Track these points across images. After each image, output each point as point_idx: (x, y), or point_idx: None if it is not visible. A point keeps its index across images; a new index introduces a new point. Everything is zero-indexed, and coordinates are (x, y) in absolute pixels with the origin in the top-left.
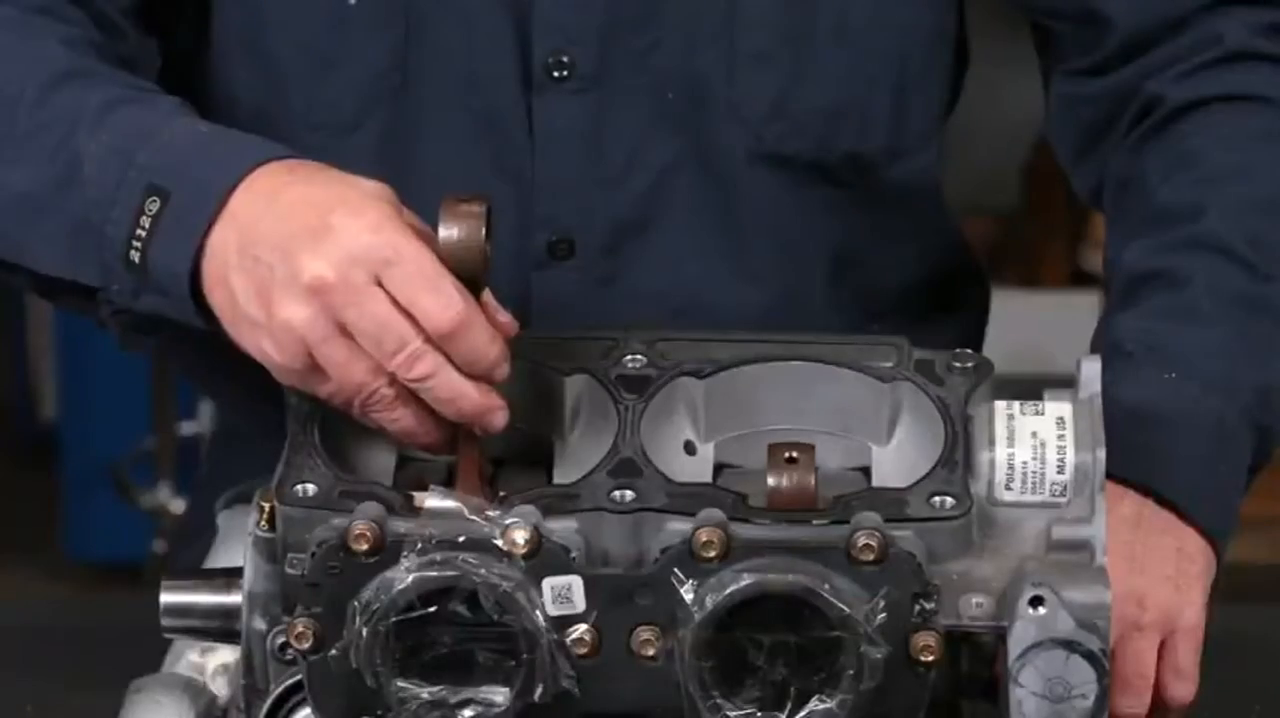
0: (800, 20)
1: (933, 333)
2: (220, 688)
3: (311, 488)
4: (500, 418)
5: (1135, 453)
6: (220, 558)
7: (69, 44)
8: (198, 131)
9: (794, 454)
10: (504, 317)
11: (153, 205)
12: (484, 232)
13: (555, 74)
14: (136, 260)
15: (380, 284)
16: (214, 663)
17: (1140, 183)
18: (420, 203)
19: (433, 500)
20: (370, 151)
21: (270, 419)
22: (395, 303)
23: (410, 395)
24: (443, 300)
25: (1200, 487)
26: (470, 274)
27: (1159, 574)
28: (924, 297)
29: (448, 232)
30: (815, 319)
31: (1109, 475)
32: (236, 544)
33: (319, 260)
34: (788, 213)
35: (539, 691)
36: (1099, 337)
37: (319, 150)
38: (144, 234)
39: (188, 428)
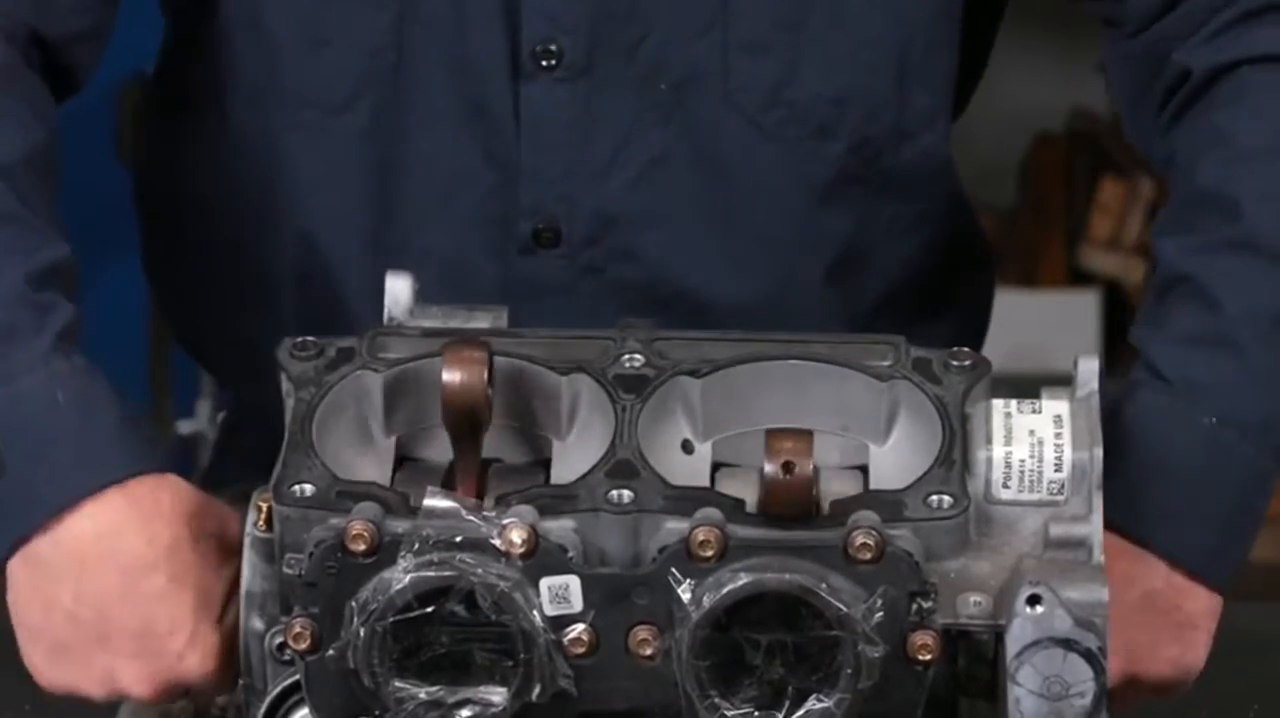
0: (795, 9)
1: (934, 326)
2: None
3: (309, 488)
4: None
5: (1163, 514)
6: None
7: (8, 169)
8: (53, 400)
9: (791, 462)
10: None
11: None
12: (485, 376)
13: (544, 62)
14: None
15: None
16: None
17: (1175, 164)
18: (410, 185)
19: (430, 500)
20: (361, 132)
21: (266, 395)
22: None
23: None
24: None
25: (1224, 557)
26: (472, 418)
27: (1160, 657)
28: (926, 289)
29: (450, 376)
30: (809, 315)
31: (1130, 536)
32: None
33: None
34: (788, 206)
35: (536, 690)
36: (1140, 324)
37: (312, 128)
38: None
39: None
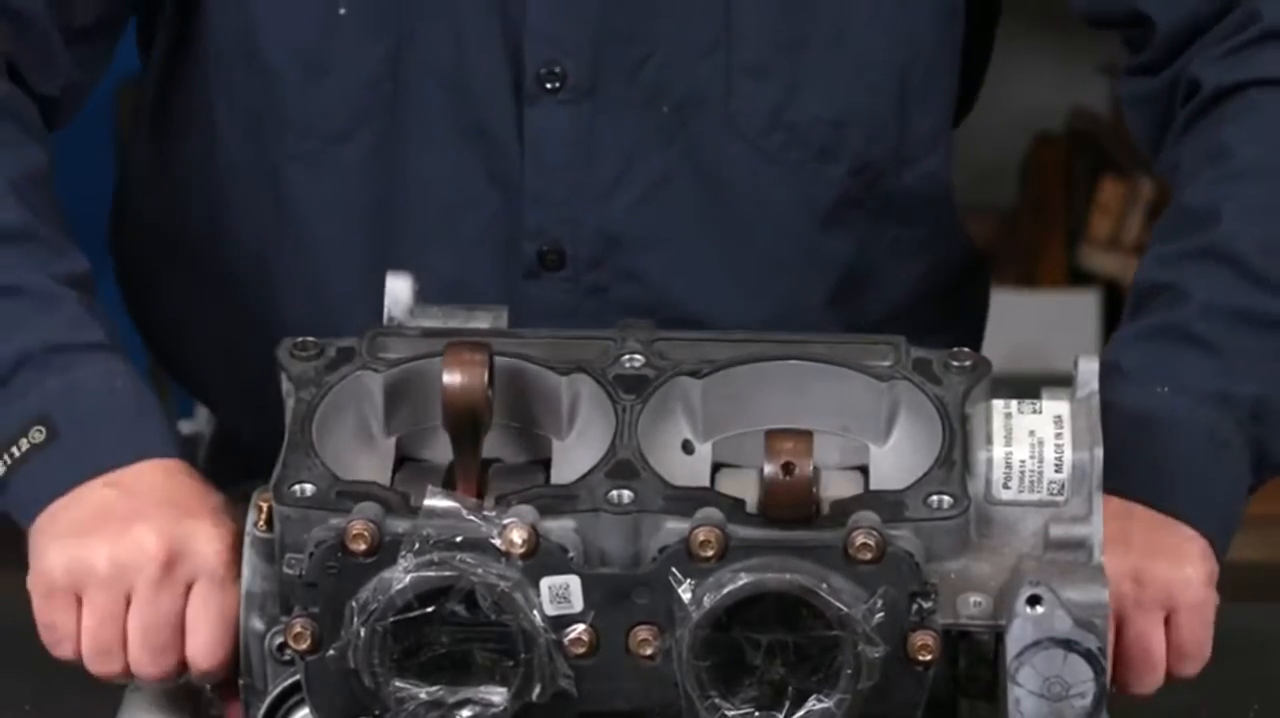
0: (797, 31)
1: (931, 342)
2: None
3: (309, 488)
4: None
5: (1126, 469)
6: None
7: (15, 185)
8: (111, 389)
9: (791, 462)
10: None
11: (37, 434)
12: (486, 378)
13: (547, 85)
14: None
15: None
16: None
17: (1175, 176)
18: (411, 212)
19: (430, 500)
20: (362, 160)
21: (264, 424)
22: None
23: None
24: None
25: (1194, 492)
26: (473, 419)
27: (1155, 552)
28: (927, 310)
29: (451, 378)
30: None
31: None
32: None
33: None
34: (791, 229)
35: (537, 690)
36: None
37: (312, 159)
38: (16, 454)
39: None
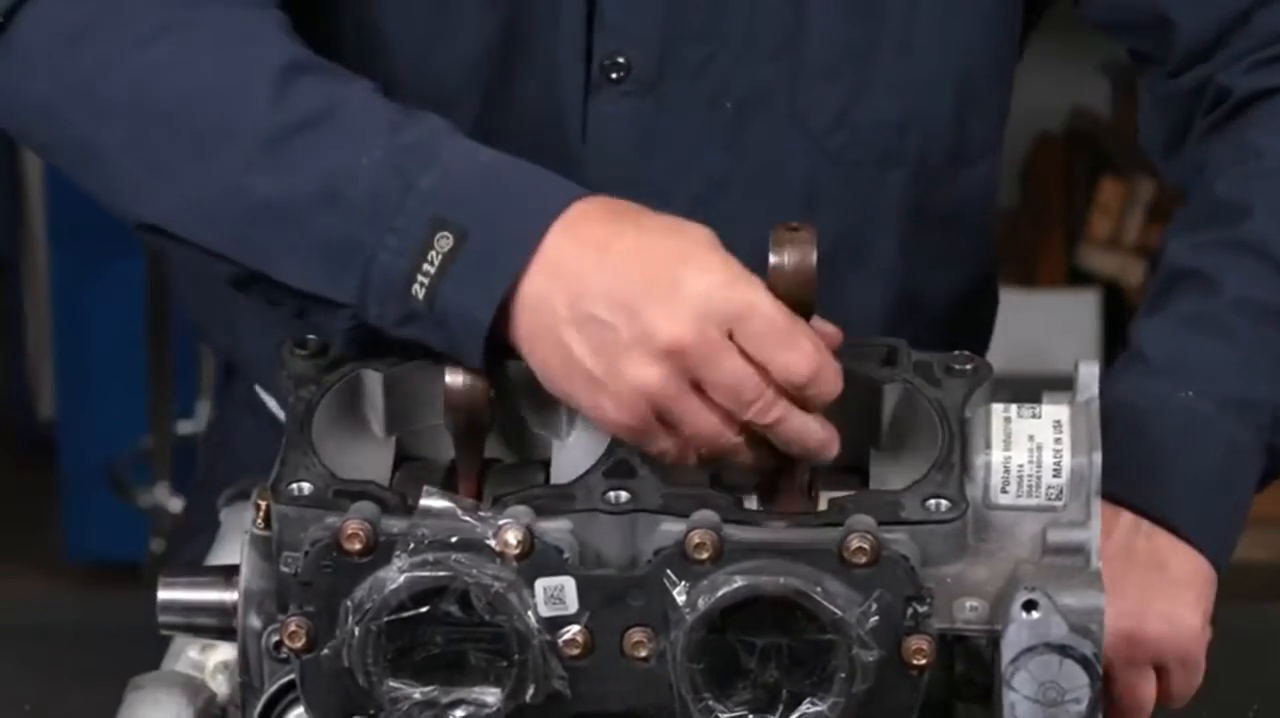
0: (865, 37)
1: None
2: (220, 686)
3: (307, 487)
4: (835, 447)
5: (1141, 477)
6: (221, 555)
7: (287, 30)
8: (478, 160)
9: (795, 224)
10: (828, 328)
11: (443, 242)
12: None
13: (612, 75)
14: (420, 296)
15: (731, 337)
16: (214, 661)
17: (1201, 174)
18: None
19: (426, 500)
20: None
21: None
22: (746, 356)
23: (753, 437)
24: (799, 356)
25: (1205, 514)
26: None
27: (1151, 611)
28: (956, 318)
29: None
30: None
31: (1111, 497)
32: (238, 541)
33: (674, 322)
34: (847, 232)
35: (530, 691)
36: (1138, 315)
37: None
38: (432, 271)
39: (184, 427)
